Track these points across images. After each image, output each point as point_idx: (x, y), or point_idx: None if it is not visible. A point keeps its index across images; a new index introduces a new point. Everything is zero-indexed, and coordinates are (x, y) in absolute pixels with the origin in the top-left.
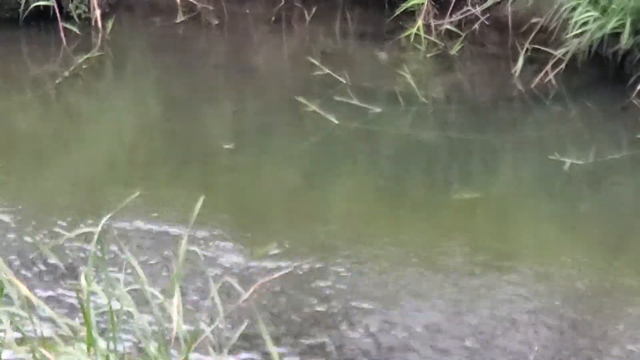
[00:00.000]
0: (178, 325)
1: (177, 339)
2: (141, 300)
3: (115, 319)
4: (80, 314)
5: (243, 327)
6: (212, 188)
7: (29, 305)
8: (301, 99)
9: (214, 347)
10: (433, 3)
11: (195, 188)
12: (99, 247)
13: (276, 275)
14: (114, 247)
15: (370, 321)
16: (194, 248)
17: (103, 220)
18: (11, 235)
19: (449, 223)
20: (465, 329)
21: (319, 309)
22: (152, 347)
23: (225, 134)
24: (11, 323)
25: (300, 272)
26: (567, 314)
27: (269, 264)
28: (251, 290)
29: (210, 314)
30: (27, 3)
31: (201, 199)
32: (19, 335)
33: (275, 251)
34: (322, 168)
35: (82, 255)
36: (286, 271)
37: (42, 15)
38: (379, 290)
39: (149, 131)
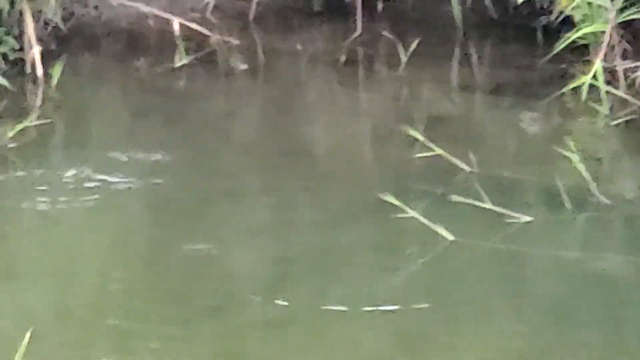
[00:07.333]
0: None
1: None
2: None
3: None
4: None
5: None
6: None
7: None
8: (391, 199)
9: None
10: (621, 31)
11: None
12: None
13: None
14: None
15: None
16: None
17: None
18: None
19: None
20: None
21: None
22: None
23: (261, 265)
24: None
25: None
26: None
27: None
28: None
29: None
30: None
31: None
32: None
33: None
34: (428, 320)
35: None
36: None
37: None
38: None
39: (127, 262)
